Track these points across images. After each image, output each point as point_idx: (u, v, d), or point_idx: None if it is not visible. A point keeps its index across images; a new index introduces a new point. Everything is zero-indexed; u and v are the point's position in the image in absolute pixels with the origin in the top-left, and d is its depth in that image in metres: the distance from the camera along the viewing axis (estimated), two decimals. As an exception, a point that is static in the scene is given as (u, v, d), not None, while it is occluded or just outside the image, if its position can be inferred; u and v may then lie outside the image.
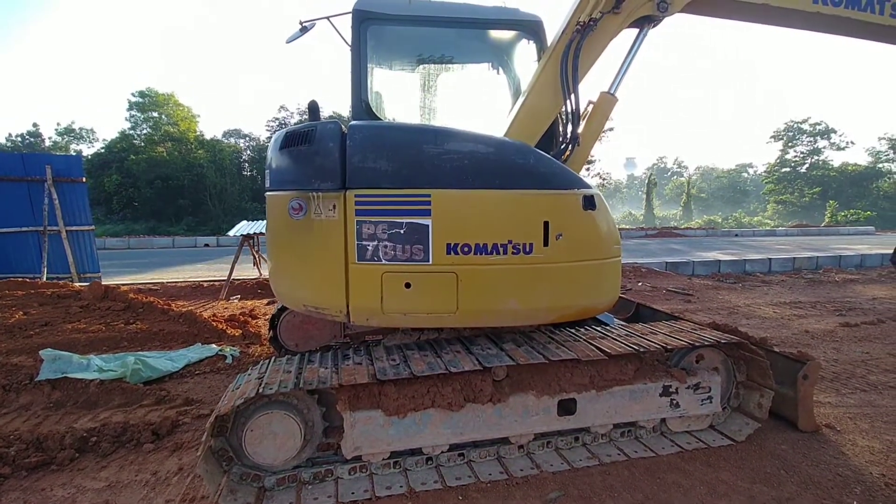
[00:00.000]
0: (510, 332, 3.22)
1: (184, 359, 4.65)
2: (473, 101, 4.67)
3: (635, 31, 3.50)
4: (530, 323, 3.16)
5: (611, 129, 31.51)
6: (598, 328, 3.41)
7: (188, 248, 19.88)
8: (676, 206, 57.69)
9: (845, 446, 3.12)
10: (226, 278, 8.34)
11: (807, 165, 47.68)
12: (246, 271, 9.66)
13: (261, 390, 2.47)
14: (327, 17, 3.81)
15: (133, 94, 33.68)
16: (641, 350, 2.93)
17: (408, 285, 2.77)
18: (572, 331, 3.30)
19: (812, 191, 44.53)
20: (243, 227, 8.42)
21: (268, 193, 3.19)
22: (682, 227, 33.99)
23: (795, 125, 48.07)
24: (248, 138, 37.15)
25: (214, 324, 5.85)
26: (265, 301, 7.74)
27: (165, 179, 29.77)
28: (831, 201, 39.90)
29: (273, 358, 3.01)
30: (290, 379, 2.60)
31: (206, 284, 8.97)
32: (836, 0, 3.61)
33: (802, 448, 3.08)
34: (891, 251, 4.68)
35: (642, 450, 3.02)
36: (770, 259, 12.04)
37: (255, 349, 5.20)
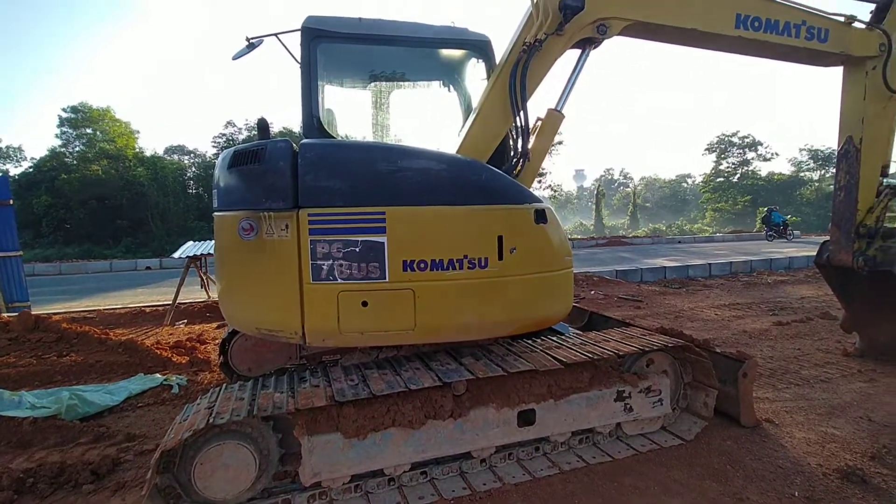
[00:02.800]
0: (469, 347, 3.24)
1: (124, 391, 4.36)
2: (425, 118, 4.73)
3: (578, 51, 3.68)
4: (488, 336, 3.20)
5: (560, 143, 32.68)
6: (554, 338, 3.49)
7: (127, 271, 18.71)
8: (624, 215, 60.32)
9: (784, 439, 3.33)
10: (170, 302, 7.92)
11: (738, 175, 51.17)
12: (193, 294, 9.20)
13: (211, 420, 2.35)
14: (275, 34, 3.76)
15: (64, 110, 31.67)
16: (596, 357, 3.02)
17: (364, 304, 2.74)
18: (529, 342, 3.36)
19: (744, 198, 47.71)
20: (189, 248, 8.04)
21: (216, 214, 3.08)
22: (630, 235, 35.52)
23: (726, 138, 51.61)
24: (192, 155, 35.69)
25: (158, 352, 5.53)
26: (214, 325, 7.40)
27: (101, 199, 28.01)
28: (761, 208, 42.88)
29: (224, 385, 2.88)
30: (242, 406, 2.50)
31: (148, 310, 8.46)
32: (755, 26, 3.94)
33: (746, 443, 3.27)
34: (815, 254, 5.09)
35: (600, 455, 3.10)
36: (710, 264, 12.77)
37: (205, 376, 4.95)
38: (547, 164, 32.13)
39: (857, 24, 4.33)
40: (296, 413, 2.50)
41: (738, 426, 3.46)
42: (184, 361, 5.42)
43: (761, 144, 50.88)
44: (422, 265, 2.75)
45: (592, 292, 9.59)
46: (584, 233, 43.98)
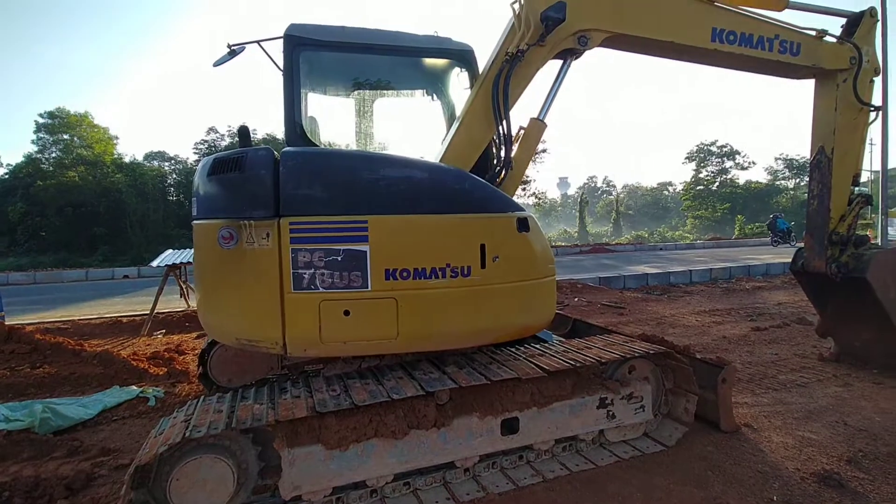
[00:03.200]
0: (452, 355, 3.23)
1: (99, 404, 4.24)
2: (409, 127, 4.74)
3: (560, 62, 3.74)
4: (471, 344, 3.20)
5: (544, 151, 33.00)
6: (538, 346, 3.50)
7: (104, 280, 18.27)
8: (607, 222, 61.08)
9: (762, 443, 3.39)
10: (148, 312, 7.75)
11: (717, 183, 52.32)
12: (172, 303, 9.02)
13: (188, 434, 2.30)
14: (257, 42, 3.74)
15: (41, 115, 30.97)
16: (578, 365, 3.04)
17: (347, 313, 2.72)
18: (513, 350, 3.37)
19: (723, 206, 48.77)
20: (168, 257, 7.89)
21: (195, 222, 3.03)
22: (613, 242, 35.94)
23: (705, 147, 52.78)
24: (173, 161, 35.14)
25: (135, 363, 5.40)
26: (194, 335, 7.26)
27: (77, 206, 27.38)
28: (739, 216, 43.89)
29: (202, 397, 2.82)
30: (221, 419, 2.45)
31: (125, 320, 8.26)
32: (731, 39, 4.05)
33: (725, 448, 3.31)
34: (790, 260, 5.22)
35: (583, 463, 3.11)
36: (691, 271, 12.99)
37: (183, 388, 4.85)
38: (531, 172, 32.43)
39: (828, 38, 4.48)
40: (276, 425, 2.46)
41: (718, 431, 3.50)
42: (161, 373, 5.30)
43: (739, 153, 52.17)
44: (404, 274, 2.75)
45: (576, 299, 9.66)
46: (568, 240, 44.39)
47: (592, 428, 3.20)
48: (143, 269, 18.96)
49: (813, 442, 3.40)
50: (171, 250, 8.50)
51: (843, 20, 4.69)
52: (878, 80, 4.86)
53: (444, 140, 3.63)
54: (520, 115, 3.61)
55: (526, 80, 3.52)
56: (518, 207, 3.10)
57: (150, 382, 4.99)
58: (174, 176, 33.55)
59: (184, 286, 8.44)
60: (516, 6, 3.46)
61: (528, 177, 32.01)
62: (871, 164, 27.79)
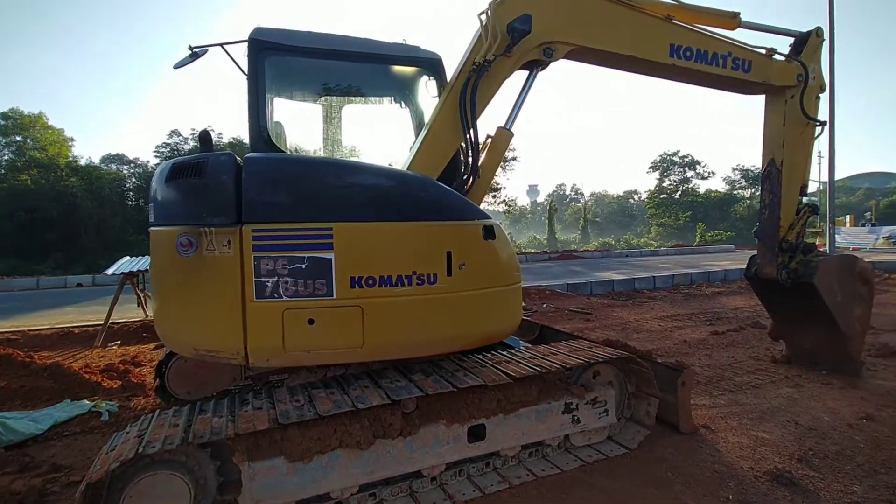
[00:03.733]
0: (419, 363, 3.21)
1: (49, 419, 4.03)
2: (377, 134, 4.72)
3: (527, 72, 3.81)
4: (438, 352, 3.19)
5: (514, 159, 33.45)
6: (505, 352, 3.53)
7: (56, 288, 17.34)
8: (576, 230, 62.27)
9: (719, 444, 3.51)
10: (102, 322, 7.40)
11: (679, 192, 54.26)
12: (129, 313, 8.64)
13: (141, 449, 2.20)
14: (221, 45, 3.67)
15: (-7, 116, 29.36)
16: (544, 371, 3.08)
17: (311, 321, 2.68)
18: (480, 357, 3.38)
19: (685, 214, 50.57)
20: (125, 264, 7.58)
21: (152, 229, 2.92)
22: (581, 249, 36.66)
23: (668, 157, 54.72)
24: (133, 164, 33.88)
25: (87, 376, 5.15)
26: (151, 346, 6.97)
27: (30, 211, 25.97)
28: (700, 223, 45.57)
29: (157, 411, 2.71)
30: (176, 433, 2.35)
31: (77, 331, 7.85)
32: (688, 55, 4.23)
33: (685, 449, 3.41)
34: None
35: (549, 468, 3.15)
36: (654, 277, 13.38)
37: (139, 402, 4.65)
38: (502, 179, 32.78)
39: (777, 57, 4.73)
40: (236, 438, 2.39)
41: (678, 433, 3.61)
42: (115, 386, 5.07)
43: (699, 163, 54.30)
44: (370, 282, 2.72)
45: (545, 305, 9.79)
46: (537, 247, 45.00)
47: (558, 433, 3.24)
48: (97, 277, 18.10)
49: (766, 441, 3.54)
50: (127, 257, 8.17)
51: (792, 39, 4.96)
52: (824, 97, 5.16)
53: (411, 147, 3.64)
54: (488, 123, 3.67)
55: (493, 90, 3.57)
56: (484, 215, 3.13)
57: (103, 396, 4.76)
58: (133, 180, 32.35)
59: (141, 295, 8.11)
60: (483, 17, 3.51)
61: (498, 184, 32.36)
62: (819, 175, 29.38)
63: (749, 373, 5.14)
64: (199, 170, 2.68)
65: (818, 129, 4.95)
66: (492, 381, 2.88)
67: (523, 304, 9.08)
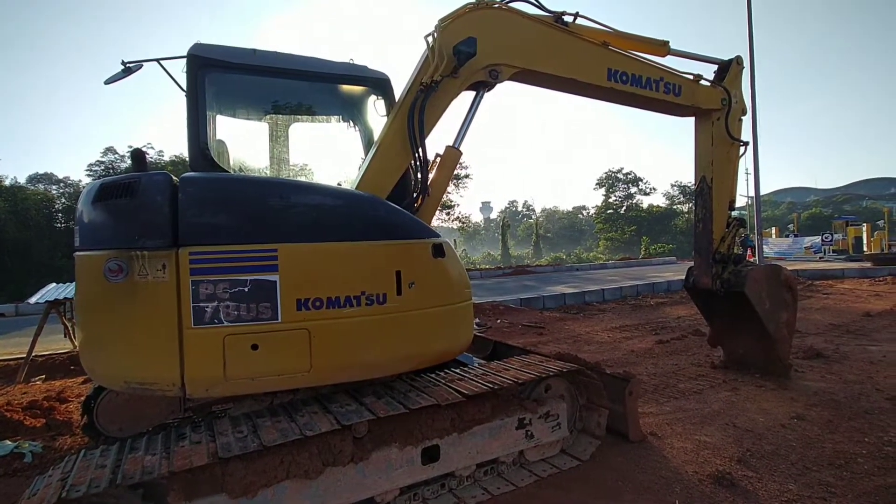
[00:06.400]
0: (371, 385, 3.14)
1: (-40, 465, 3.61)
2: (325, 153, 4.66)
3: (473, 93, 3.90)
4: (389, 373, 3.14)
5: (467, 177, 33.96)
6: (458, 370, 3.52)
7: (-27, 319, 15.79)
8: (528, 245, 63.77)
9: (666, 450, 3.63)
10: (25, 355, 6.77)
11: (624, 207, 56.92)
12: (55, 344, 7.97)
13: (64, 494, 2.01)
14: (157, 60, 3.53)
15: None
16: (497, 387, 3.08)
17: (255, 347, 2.57)
18: (432, 376, 3.35)
19: (630, 228, 53.03)
20: (50, 291, 7.00)
21: (77, 253, 2.73)
22: (534, 264, 37.51)
23: (613, 174, 57.42)
24: (62, 184, 31.70)
25: (9, 414, 4.67)
26: (79, 380, 6.44)
27: (-58, 235, 23.70)
28: (644, 237, 47.91)
29: (82, 450, 2.49)
30: (104, 475, 2.17)
31: (-4, 365, 7.16)
32: (624, 79, 4.48)
33: (634, 457, 3.50)
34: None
35: (504, 485, 3.14)
36: (603, 290, 13.86)
37: (65, 441, 4.26)
38: (455, 197, 33.17)
39: (703, 82, 5.10)
40: (171, 477, 2.22)
41: (627, 441, 3.71)
42: (39, 425, 4.62)
43: (641, 180, 57.30)
44: (317, 303, 2.65)
45: (499, 321, 9.89)
46: (491, 262, 45.67)
47: (512, 449, 3.24)
48: (20, 307, 16.60)
49: (708, 445, 3.70)
50: (53, 284, 7.55)
51: (716, 66, 5.37)
52: (747, 119, 5.60)
53: (360, 167, 3.61)
54: (437, 142, 3.71)
55: (440, 110, 3.63)
56: (433, 233, 3.14)
57: (26, 436, 4.33)
58: (63, 200, 30.21)
59: (68, 324, 7.49)
60: (430, 39, 3.57)
61: (452, 201, 32.70)
62: (747, 191, 31.65)
63: (691, 379, 5.38)
64: (130, 190, 2.54)
65: (742, 149, 5.35)
66: (445, 401, 2.85)
67: (477, 320, 9.13)
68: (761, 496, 3.00)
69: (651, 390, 5.01)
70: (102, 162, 30.10)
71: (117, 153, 30.26)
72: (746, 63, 6.29)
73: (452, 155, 3.73)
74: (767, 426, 4.00)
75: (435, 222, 3.70)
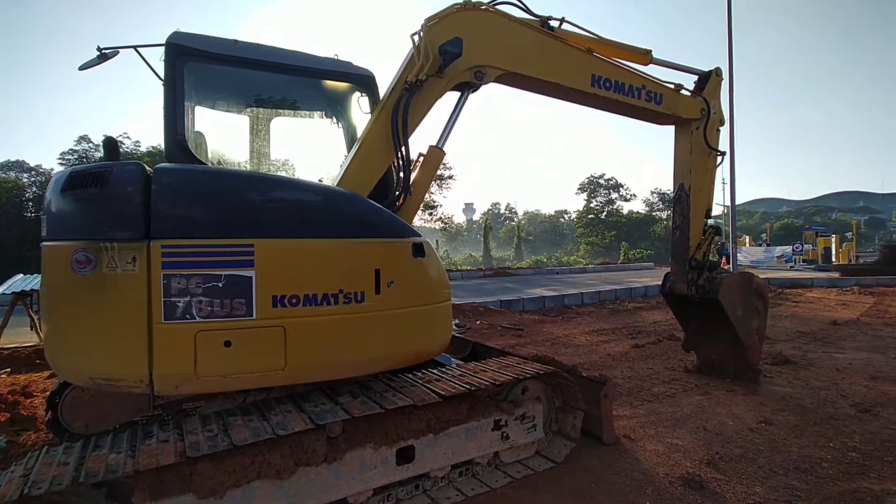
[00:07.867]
0: (346, 384, 3.11)
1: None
2: (307, 148, 4.61)
3: (458, 93, 3.90)
4: (366, 373, 3.11)
5: (451, 178, 34.00)
6: (435, 371, 3.51)
7: (-68, 310, 15.14)
8: (510, 247, 64.08)
9: (638, 452, 3.68)
10: (-12, 348, 6.53)
11: (605, 213, 57.67)
12: (20, 337, 7.70)
13: (26, 491, 1.95)
14: (134, 47, 3.43)
15: None
16: (474, 388, 3.08)
17: (228, 343, 2.51)
18: (409, 376, 3.33)
19: (610, 234, 53.72)
20: (16, 283, 6.77)
21: (44, 244, 2.63)
22: (515, 266, 37.70)
23: (595, 179, 58.14)
24: (34, 172, 30.65)
25: (-32, 409, 4.49)
26: (45, 374, 6.22)
27: None
28: (624, 242, 48.61)
29: (45, 447, 2.40)
30: (67, 472, 2.10)
31: (-44, 358, 6.87)
32: (607, 86, 4.53)
33: (607, 459, 3.54)
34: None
35: (479, 486, 3.14)
36: (582, 293, 14.02)
37: (29, 437, 4.12)
38: (438, 197, 33.17)
39: (684, 92, 5.20)
40: (136, 475, 2.16)
41: (602, 444, 3.75)
42: (3, 419, 4.46)
43: (622, 186, 58.16)
44: (293, 300, 2.61)
45: (478, 322, 9.91)
46: (473, 264, 45.73)
47: (488, 450, 3.24)
48: (-14, 297, 15.98)
49: (679, 447, 3.76)
50: (20, 275, 7.30)
51: (696, 77, 5.48)
52: (725, 129, 5.72)
53: (342, 164, 3.58)
54: (420, 141, 3.69)
55: (425, 109, 3.62)
56: (414, 233, 3.12)
57: (-14, 432, 4.17)
58: (34, 189, 29.20)
59: (35, 317, 7.25)
60: (416, 38, 3.56)
61: (435, 202, 32.70)
62: (723, 200, 32.39)
63: (665, 383, 5.47)
64: (101, 179, 2.46)
65: (719, 158, 5.47)
66: (421, 401, 2.84)
67: (457, 321, 9.12)
68: (728, 498, 3.06)
69: (626, 393, 5.08)
70: (76, 150, 29.18)
71: (92, 142, 29.38)
72: (725, 75, 6.43)
73: (436, 155, 3.72)
74: (736, 430, 4.09)
75: (417, 222, 3.69)
